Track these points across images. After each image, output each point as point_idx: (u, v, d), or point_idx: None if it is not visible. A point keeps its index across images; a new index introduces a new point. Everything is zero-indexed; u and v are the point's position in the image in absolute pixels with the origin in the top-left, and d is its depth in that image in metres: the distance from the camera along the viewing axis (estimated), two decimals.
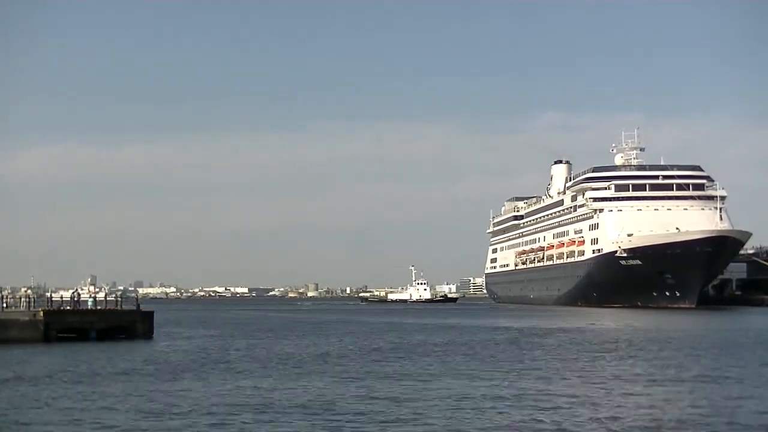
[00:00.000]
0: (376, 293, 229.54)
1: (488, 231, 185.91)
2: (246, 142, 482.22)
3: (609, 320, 76.16)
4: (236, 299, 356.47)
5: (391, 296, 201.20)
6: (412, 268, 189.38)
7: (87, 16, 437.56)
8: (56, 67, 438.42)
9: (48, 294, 70.30)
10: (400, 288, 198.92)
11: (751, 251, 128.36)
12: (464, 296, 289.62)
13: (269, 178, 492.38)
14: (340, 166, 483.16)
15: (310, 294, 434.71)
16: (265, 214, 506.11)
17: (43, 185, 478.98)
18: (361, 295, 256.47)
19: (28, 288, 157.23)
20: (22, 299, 56.60)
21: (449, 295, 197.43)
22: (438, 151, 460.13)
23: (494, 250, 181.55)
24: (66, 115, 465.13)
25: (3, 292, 73.54)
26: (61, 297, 59.18)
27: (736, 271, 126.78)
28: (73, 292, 61.21)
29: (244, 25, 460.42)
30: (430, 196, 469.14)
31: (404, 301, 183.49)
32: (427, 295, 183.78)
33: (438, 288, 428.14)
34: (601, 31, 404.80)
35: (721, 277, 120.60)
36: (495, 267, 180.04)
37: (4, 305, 52.34)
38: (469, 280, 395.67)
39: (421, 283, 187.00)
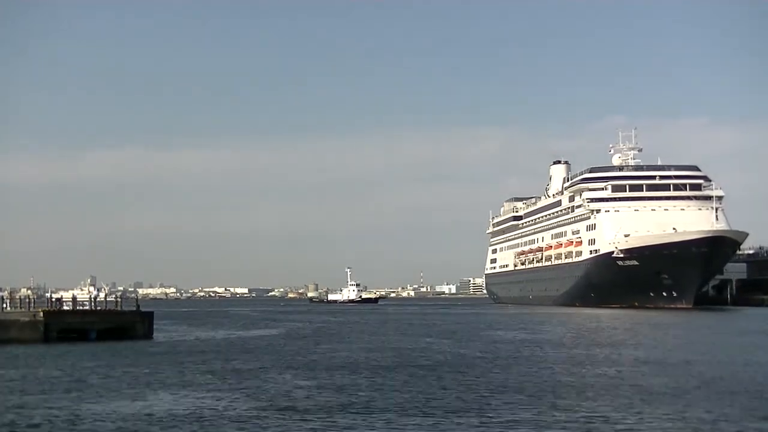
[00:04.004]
0: (319, 294, 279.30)
1: (488, 231, 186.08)
2: (246, 146, 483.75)
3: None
4: (236, 299, 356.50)
5: (330, 296, 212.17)
6: (348, 270, 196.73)
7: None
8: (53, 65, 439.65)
9: (48, 294, 70.49)
10: (339, 289, 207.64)
11: (750, 251, 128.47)
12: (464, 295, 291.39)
13: (272, 182, 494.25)
14: (346, 170, 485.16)
15: (310, 294, 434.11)
16: (266, 216, 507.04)
17: (44, 188, 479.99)
18: (309, 295, 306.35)
19: (28, 288, 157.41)
20: (22, 299, 56.88)
21: (373, 297, 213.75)
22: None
23: (494, 251, 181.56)
24: (67, 117, 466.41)
25: (3, 293, 73.76)
26: (61, 297, 59.54)
27: (735, 271, 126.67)
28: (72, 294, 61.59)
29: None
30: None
31: (335, 301, 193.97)
32: (353, 296, 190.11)
33: (438, 288, 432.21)
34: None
35: (720, 277, 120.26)
36: (495, 267, 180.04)
37: (4, 306, 52.64)
38: (469, 281, 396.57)
39: (353, 285, 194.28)
